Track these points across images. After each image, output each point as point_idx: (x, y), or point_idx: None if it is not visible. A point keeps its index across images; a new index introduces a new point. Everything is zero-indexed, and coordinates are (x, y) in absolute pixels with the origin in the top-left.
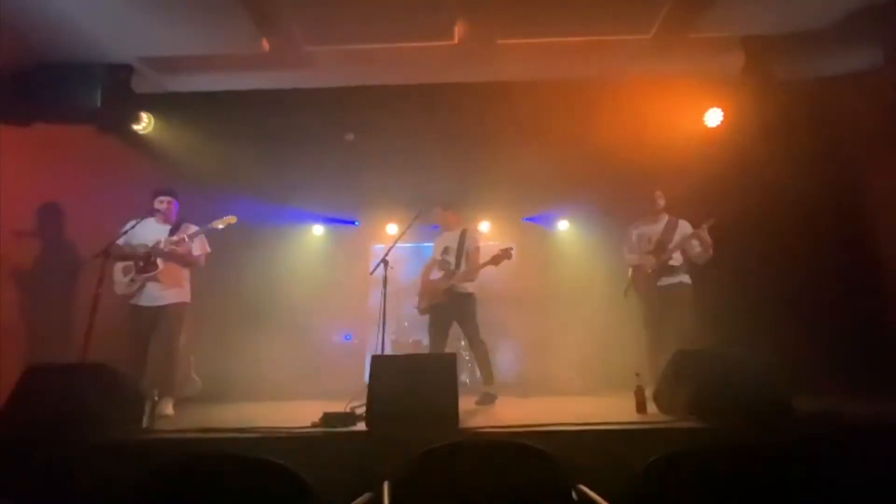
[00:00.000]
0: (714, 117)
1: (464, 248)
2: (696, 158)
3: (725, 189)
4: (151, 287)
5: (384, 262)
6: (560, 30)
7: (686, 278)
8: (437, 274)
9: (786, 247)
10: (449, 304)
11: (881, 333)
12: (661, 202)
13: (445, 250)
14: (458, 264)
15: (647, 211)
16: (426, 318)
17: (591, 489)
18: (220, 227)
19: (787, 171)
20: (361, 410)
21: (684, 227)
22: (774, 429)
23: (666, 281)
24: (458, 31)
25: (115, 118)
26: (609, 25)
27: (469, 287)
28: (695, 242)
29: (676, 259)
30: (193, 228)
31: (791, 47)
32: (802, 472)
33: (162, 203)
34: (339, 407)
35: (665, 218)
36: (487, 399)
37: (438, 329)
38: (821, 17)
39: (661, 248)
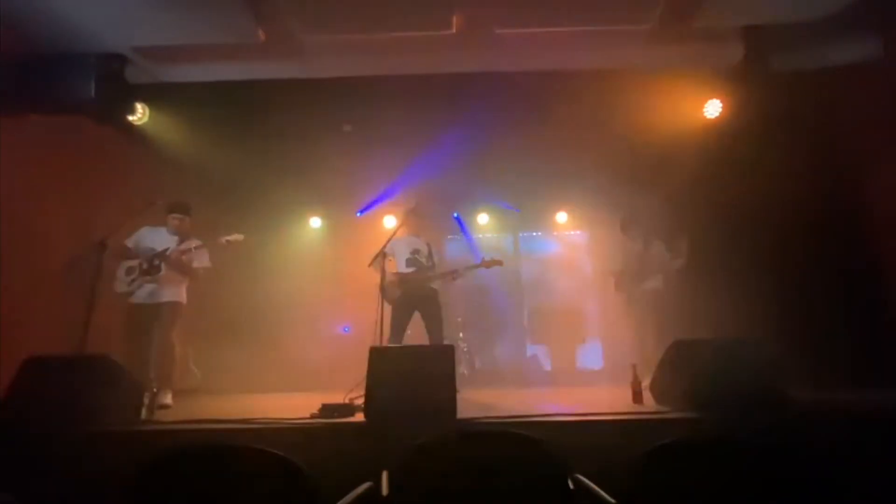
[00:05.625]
0: (713, 108)
1: (432, 253)
2: (694, 149)
3: (724, 180)
4: (149, 287)
5: (382, 253)
6: (559, 19)
7: (660, 284)
8: (405, 269)
9: (784, 237)
10: (419, 297)
11: (879, 324)
12: (637, 232)
13: (416, 251)
14: (430, 263)
15: (627, 235)
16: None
17: (588, 479)
18: (227, 242)
19: (785, 161)
20: (360, 401)
21: (658, 244)
22: (771, 419)
23: (645, 285)
24: (457, 20)
25: (110, 109)
26: (608, 15)
27: (436, 284)
28: (669, 254)
29: (654, 269)
30: (196, 242)
31: (790, 38)
32: (798, 462)
33: (175, 220)
34: (337, 398)
35: (642, 237)
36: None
37: (404, 318)
38: (820, 7)
39: (643, 257)
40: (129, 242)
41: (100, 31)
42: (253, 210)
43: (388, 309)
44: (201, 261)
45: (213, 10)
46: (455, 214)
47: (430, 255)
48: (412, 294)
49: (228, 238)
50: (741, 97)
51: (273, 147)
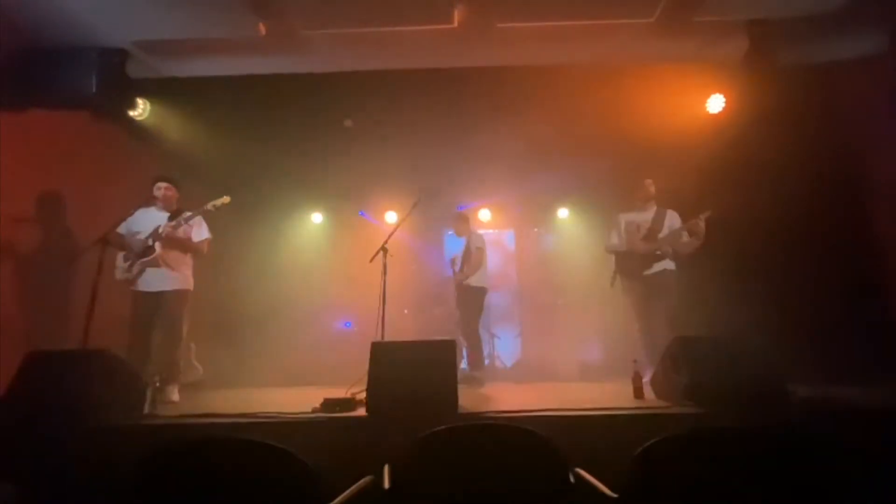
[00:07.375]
0: (716, 103)
1: (470, 252)
2: (697, 144)
3: (726, 175)
4: (151, 273)
5: (383, 249)
6: (561, 13)
7: (671, 265)
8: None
9: (785, 233)
10: (463, 297)
11: (876, 320)
12: (652, 190)
13: (456, 255)
14: (462, 266)
15: (636, 198)
16: (423, 305)
17: (589, 473)
18: (213, 208)
19: (788, 157)
20: (362, 396)
21: (672, 216)
22: (770, 414)
23: (653, 269)
24: (458, 14)
25: (111, 104)
26: (611, 9)
27: (475, 282)
28: (685, 233)
29: (665, 247)
30: (188, 213)
31: (795, 32)
32: (797, 456)
33: (160, 189)
34: (339, 393)
35: (654, 207)
36: (474, 382)
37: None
38: (825, 0)
39: (651, 236)
40: (122, 229)
41: (101, 25)
42: (254, 205)
43: (389, 305)
44: (199, 233)
45: (213, 5)
46: (460, 207)
47: (465, 254)
48: (460, 298)
49: (215, 203)
50: (745, 92)
51: (274, 142)
